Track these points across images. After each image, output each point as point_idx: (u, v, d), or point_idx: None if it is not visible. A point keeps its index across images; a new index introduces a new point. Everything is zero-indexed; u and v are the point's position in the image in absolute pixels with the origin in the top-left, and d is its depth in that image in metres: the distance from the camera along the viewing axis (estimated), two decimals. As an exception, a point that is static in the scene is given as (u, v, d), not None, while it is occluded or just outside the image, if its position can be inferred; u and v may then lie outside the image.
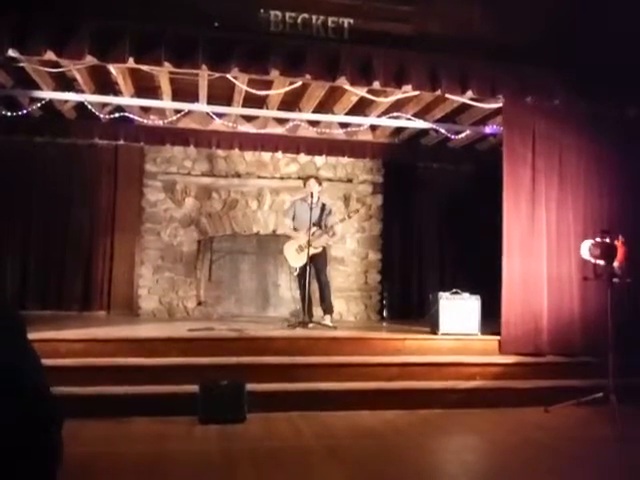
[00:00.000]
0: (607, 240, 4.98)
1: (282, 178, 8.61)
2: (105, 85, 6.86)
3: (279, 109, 7.26)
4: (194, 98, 6.85)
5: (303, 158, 8.63)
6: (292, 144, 8.28)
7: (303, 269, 6.85)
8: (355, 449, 4.07)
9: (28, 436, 1.07)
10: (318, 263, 7.01)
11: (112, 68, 5.95)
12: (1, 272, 7.81)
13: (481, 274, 7.32)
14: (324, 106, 7.32)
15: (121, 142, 8.04)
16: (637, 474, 3.76)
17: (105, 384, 4.87)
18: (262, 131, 7.99)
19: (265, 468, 3.65)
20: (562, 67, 5.92)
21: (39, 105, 6.83)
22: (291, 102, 7.20)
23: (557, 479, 3.66)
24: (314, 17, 5.48)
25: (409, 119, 7.33)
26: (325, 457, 3.89)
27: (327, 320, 6.99)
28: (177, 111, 7.36)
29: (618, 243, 4.98)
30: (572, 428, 4.71)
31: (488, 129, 7.50)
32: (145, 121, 7.69)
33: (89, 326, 6.38)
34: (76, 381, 4.71)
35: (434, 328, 6.20)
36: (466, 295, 6.25)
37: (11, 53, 5.06)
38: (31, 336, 1.56)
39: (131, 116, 7.48)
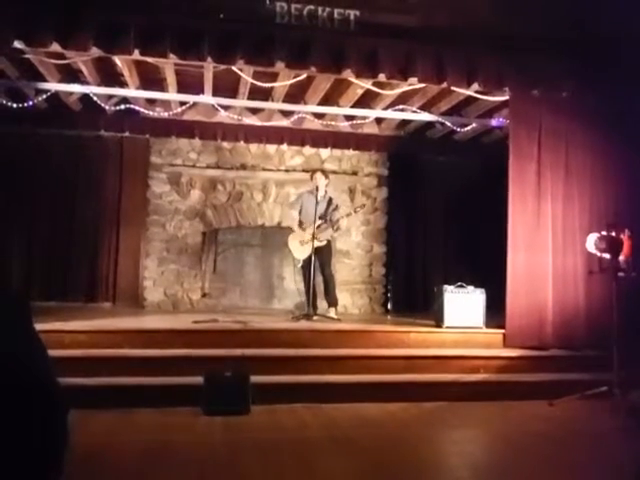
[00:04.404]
0: (613, 234, 4.97)
1: (287, 171, 8.60)
2: (110, 77, 6.87)
3: (284, 101, 7.25)
4: (199, 90, 6.85)
5: (308, 150, 8.62)
6: (297, 136, 8.27)
7: (307, 261, 6.85)
8: (359, 441, 4.07)
9: (34, 421, 1.07)
10: (323, 256, 7.00)
11: (117, 60, 5.95)
12: (7, 263, 7.84)
13: (486, 267, 7.31)
14: (329, 98, 7.30)
15: (126, 134, 8.07)
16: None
17: (110, 375, 4.89)
18: (267, 123, 7.98)
19: (269, 459, 3.66)
20: (569, 60, 5.88)
21: (44, 97, 6.82)
22: (296, 94, 7.19)
23: (561, 472, 3.66)
24: (320, 9, 5.44)
25: (415, 112, 7.32)
26: (329, 449, 3.89)
27: (331, 313, 7.00)
28: (182, 103, 7.35)
29: (624, 237, 4.96)
30: (576, 421, 4.70)
31: (494, 122, 7.47)
32: (150, 113, 7.69)
33: (94, 317, 6.40)
34: (81, 372, 4.72)
35: (438, 321, 6.20)
36: (471, 288, 6.24)
37: (17, 44, 5.07)
38: (36, 327, 1.57)
39: (136, 108, 7.47)
